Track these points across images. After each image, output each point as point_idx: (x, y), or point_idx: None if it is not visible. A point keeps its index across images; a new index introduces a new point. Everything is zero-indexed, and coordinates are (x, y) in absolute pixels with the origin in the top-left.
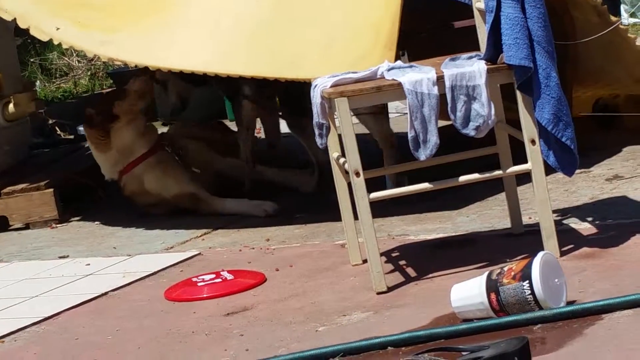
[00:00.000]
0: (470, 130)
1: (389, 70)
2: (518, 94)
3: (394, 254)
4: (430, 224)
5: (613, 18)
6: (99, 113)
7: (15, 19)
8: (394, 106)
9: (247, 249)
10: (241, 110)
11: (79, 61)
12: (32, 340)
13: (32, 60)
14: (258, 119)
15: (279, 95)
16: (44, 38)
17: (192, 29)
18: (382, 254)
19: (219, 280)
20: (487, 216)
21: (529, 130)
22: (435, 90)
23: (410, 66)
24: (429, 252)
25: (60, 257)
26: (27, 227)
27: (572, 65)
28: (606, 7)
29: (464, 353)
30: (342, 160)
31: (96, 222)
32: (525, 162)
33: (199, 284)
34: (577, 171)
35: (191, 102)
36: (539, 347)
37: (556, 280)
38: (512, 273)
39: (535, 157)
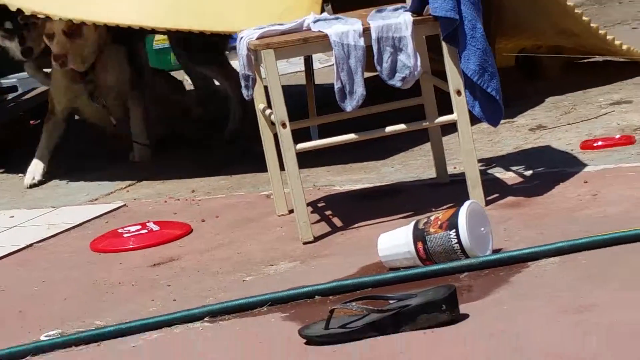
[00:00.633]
0: (396, 82)
1: (315, 22)
2: (444, 45)
3: (319, 205)
4: (355, 175)
5: None
6: None
7: None
8: (317, 58)
9: (173, 200)
10: None
11: None
12: None
13: None
14: None
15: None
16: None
17: None
18: (308, 205)
19: (145, 231)
20: (411, 166)
21: (454, 81)
22: (361, 42)
23: (337, 18)
24: (354, 202)
25: None
26: None
27: (496, 17)
28: None
29: (391, 301)
30: (268, 111)
31: (19, 175)
32: (450, 113)
33: (125, 235)
34: (501, 122)
35: None
36: (466, 295)
37: (482, 229)
38: (439, 222)
39: (460, 108)
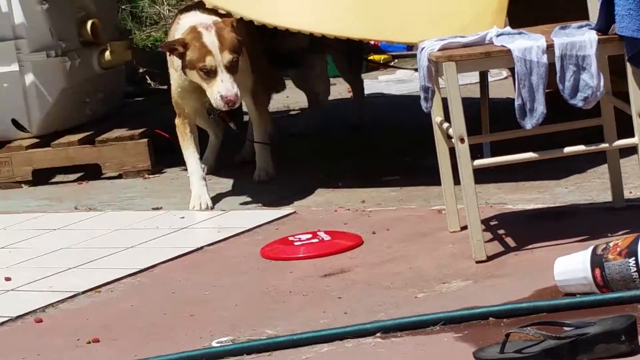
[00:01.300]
0: (578, 101)
1: (497, 36)
2: (628, 66)
3: (492, 223)
4: (528, 194)
5: None
6: None
7: None
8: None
9: (343, 210)
10: None
11: (169, 10)
12: (128, 292)
13: (123, 7)
14: None
15: None
16: None
17: None
18: (480, 222)
19: (316, 240)
20: (586, 188)
21: (637, 103)
22: (544, 59)
23: (520, 33)
24: (527, 222)
25: (154, 209)
26: (119, 176)
27: None
28: None
29: (568, 328)
30: (445, 125)
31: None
32: (629, 135)
33: (296, 243)
34: None
35: None
36: None
37: None
38: (618, 249)
39: None
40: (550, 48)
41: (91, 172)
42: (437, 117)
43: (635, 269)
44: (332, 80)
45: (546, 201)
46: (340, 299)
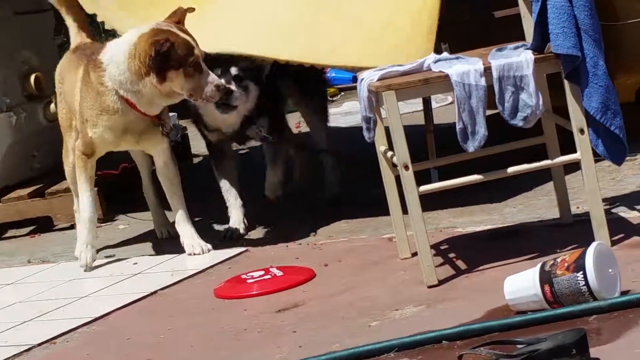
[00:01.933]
0: (518, 121)
1: (435, 62)
2: (566, 83)
3: (442, 247)
4: (477, 216)
5: None
6: None
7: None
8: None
9: (294, 245)
10: None
11: None
12: (85, 341)
13: None
14: None
15: None
16: (89, 10)
17: (232, 21)
18: (431, 247)
19: (268, 276)
20: (534, 207)
21: (577, 119)
22: (482, 82)
23: (457, 57)
24: (477, 244)
25: (107, 257)
26: (71, 227)
27: (615, 52)
28: None
29: (520, 346)
30: (389, 153)
31: (140, 220)
32: (571, 151)
33: (249, 281)
34: None
35: None
36: (596, 339)
37: (610, 270)
38: (566, 264)
39: (584, 147)
40: (487, 70)
41: (43, 225)
42: (381, 147)
43: (583, 282)
44: None
45: (495, 222)
46: (295, 333)
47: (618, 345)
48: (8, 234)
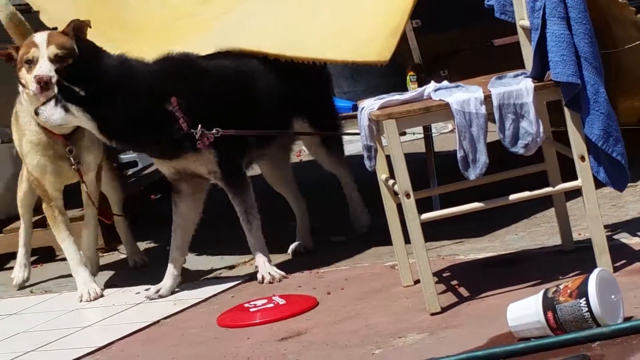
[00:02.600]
0: (519, 149)
1: (435, 90)
2: (566, 110)
3: (445, 274)
4: (479, 243)
5: None
6: None
7: (56, 27)
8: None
9: (296, 273)
10: None
11: None
12: None
13: None
14: None
15: None
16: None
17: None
18: (433, 275)
19: (271, 305)
20: (536, 233)
21: (578, 146)
22: (483, 110)
23: (457, 86)
24: (479, 271)
25: (110, 287)
26: None
27: (616, 77)
28: None
29: None
30: (390, 181)
31: (142, 249)
32: (572, 178)
33: (252, 310)
34: None
35: None
36: None
37: (612, 296)
38: (569, 291)
39: (585, 174)
40: (488, 99)
41: (44, 255)
42: (382, 175)
43: (586, 309)
44: None
45: (497, 249)
46: None
47: None
48: (10, 264)
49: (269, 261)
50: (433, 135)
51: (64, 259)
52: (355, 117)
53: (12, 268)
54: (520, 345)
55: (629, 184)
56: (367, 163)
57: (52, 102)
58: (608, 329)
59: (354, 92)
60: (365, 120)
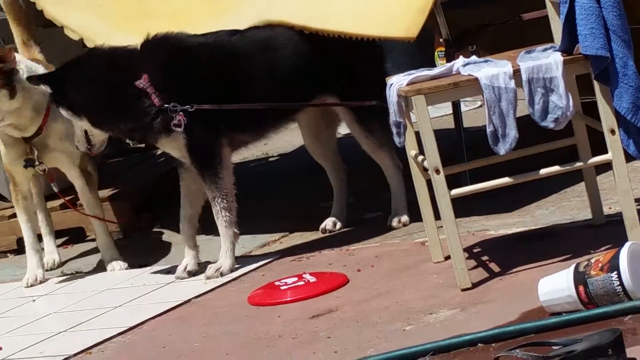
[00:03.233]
0: (549, 123)
1: (464, 65)
2: (595, 84)
3: (475, 250)
4: (509, 219)
5: None
6: None
7: (82, 39)
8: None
9: (327, 251)
10: None
11: None
12: (119, 351)
13: None
14: None
15: None
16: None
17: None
18: (464, 250)
19: (302, 283)
20: (565, 208)
21: (608, 120)
22: (512, 84)
23: (486, 61)
24: (510, 246)
25: (140, 266)
26: None
27: None
28: None
29: (556, 347)
30: (420, 158)
31: (172, 230)
32: (602, 152)
33: (282, 288)
34: None
35: None
36: (632, 339)
37: None
38: (600, 264)
39: (615, 147)
40: (517, 73)
41: (75, 236)
42: (411, 151)
43: (618, 282)
44: None
45: (527, 224)
46: (330, 339)
47: None
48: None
49: (232, 253)
50: (463, 111)
51: (94, 239)
52: None
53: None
54: (551, 320)
55: None
56: (396, 139)
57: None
58: None
59: None
60: (394, 96)
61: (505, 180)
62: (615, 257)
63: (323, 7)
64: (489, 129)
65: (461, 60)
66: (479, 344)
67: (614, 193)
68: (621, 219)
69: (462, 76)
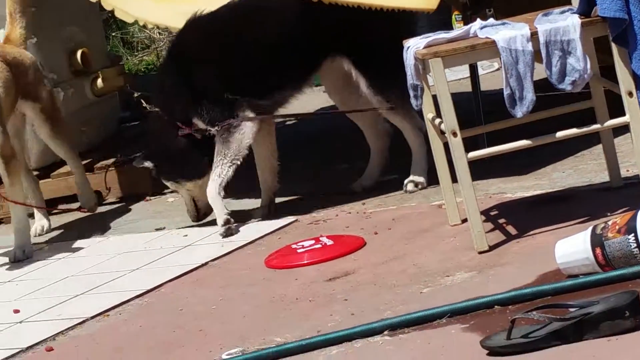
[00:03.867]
0: (566, 85)
1: (481, 28)
2: (613, 46)
3: (492, 213)
4: (526, 181)
5: None
6: None
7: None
8: (480, 63)
9: (344, 214)
10: None
11: (160, 33)
12: (137, 313)
13: (113, 34)
14: None
15: None
16: (129, 20)
17: None
18: (481, 213)
19: (319, 245)
20: (583, 171)
21: (625, 82)
22: (529, 47)
23: (503, 23)
24: (527, 209)
25: (157, 230)
26: (120, 200)
27: None
28: None
29: (572, 309)
30: (437, 120)
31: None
32: (619, 114)
33: (299, 251)
34: None
35: None
36: None
37: None
38: (617, 227)
39: (633, 110)
40: (534, 35)
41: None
42: (428, 114)
43: (635, 245)
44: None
45: (544, 187)
46: (347, 301)
47: None
48: (58, 209)
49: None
50: (480, 74)
51: (112, 203)
52: None
53: (60, 212)
54: (568, 282)
55: None
56: (413, 102)
57: None
58: None
59: None
60: (411, 59)
61: (522, 143)
62: (633, 219)
63: None
64: (506, 92)
65: (478, 23)
66: (496, 306)
67: (632, 155)
68: (638, 181)
69: (479, 39)
